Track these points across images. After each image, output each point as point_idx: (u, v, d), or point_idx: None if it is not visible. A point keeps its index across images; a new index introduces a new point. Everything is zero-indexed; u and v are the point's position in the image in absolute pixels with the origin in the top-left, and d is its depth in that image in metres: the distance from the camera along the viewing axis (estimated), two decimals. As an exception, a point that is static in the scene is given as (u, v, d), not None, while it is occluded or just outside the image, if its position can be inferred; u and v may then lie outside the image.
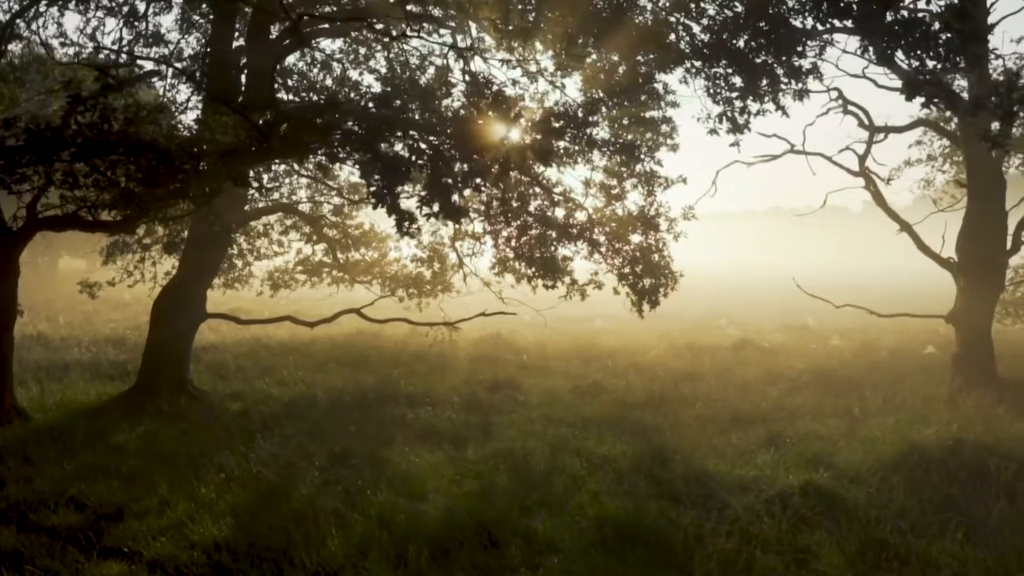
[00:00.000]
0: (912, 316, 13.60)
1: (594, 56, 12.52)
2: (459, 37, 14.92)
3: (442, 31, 15.15)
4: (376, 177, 5.93)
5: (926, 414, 9.87)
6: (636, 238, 12.23)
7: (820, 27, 7.04)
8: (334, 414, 11.15)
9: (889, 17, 6.43)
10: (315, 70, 16.82)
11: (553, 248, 12.51)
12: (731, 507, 6.92)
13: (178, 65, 12.35)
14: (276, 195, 17.19)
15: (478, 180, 7.47)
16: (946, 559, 5.75)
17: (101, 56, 13.04)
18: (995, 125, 14.11)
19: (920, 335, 19.11)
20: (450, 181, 6.74)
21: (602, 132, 12.46)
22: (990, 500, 6.59)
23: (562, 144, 12.06)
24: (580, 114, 10.98)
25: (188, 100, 14.12)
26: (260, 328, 19.12)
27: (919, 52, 6.53)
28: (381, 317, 14.98)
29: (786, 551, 6.07)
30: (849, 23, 6.89)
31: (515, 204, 12.29)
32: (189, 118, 13.82)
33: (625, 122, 13.22)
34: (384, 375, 14.67)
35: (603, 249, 12.20)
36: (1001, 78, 15.17)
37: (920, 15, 6.52)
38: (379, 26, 10.55)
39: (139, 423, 10.16)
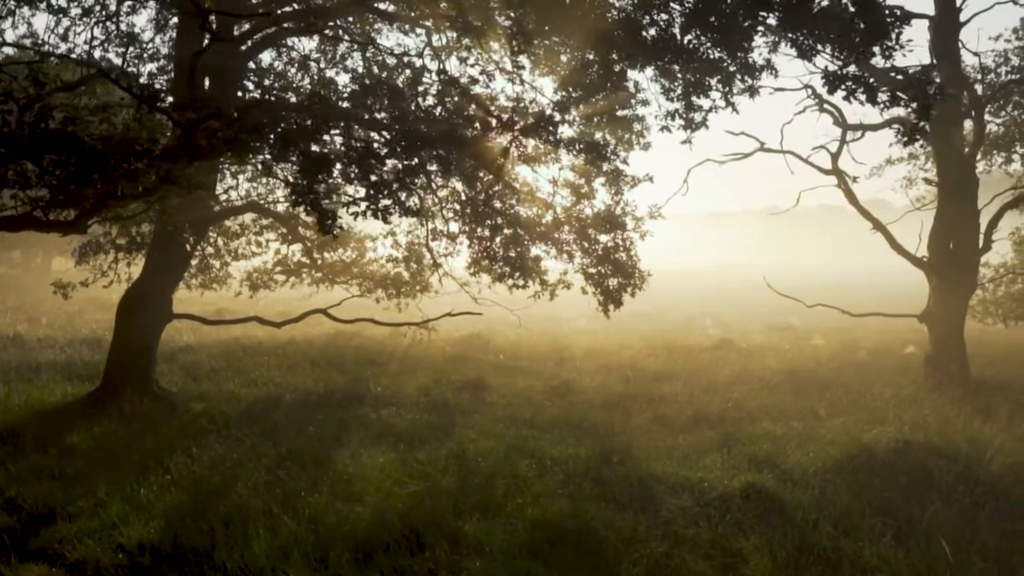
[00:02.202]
0: (885, 315, 13.46)
1: (566, 57, 12.49)
2: (434, 37, 14.90)
3: (418, 30, 15.15)
4: (297, 175, 5.86)
5: (887, 415, 9.75)
6: (603, 237, 12.15)
7: (752, 21, 6.94)
8: (296, 414, 11.10)
9: (811, 10, 6.33)
10: (292, 70, 16.79)
11: (525, 247, 12.48)
12: (670, 510, 6.84)
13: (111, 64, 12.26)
14: (254, 195, 17.26)
15: (411, 179, 7.38)
16: (877, 563, 5.65)
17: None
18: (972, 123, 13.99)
19: (904, 334, 18.95)
20: (379, 179, 6.67)
21: (569, 131, 12.44)
22: (928, 502, 6.48)
23: (530, 143, 12.08)
24: (548, 112, 10.94)
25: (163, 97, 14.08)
26: (240, 329, 19.11)
27: (839, 45, 6.42)
28: (357, 317, 15.02)
29: (717, 555, 5.99)
30: (774, 18, 6.79)
31: (482, 204, 12.28)
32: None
33: (596, 120, 13.16)
34: (356, 375, 14.62)
35: (570, 248, 12.14)
36: (978, 75, 15.10)
37: (837, 8, 6.42)
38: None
39: (97, 424, 10.11)
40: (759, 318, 24.69)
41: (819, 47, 6.52)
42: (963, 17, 12.55)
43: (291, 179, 6.26)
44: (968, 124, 13.52)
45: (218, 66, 11.89)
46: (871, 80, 6.63)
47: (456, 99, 11.55)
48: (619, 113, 13.04)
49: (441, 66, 14.12)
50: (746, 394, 11.99)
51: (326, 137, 6.99)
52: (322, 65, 16.44)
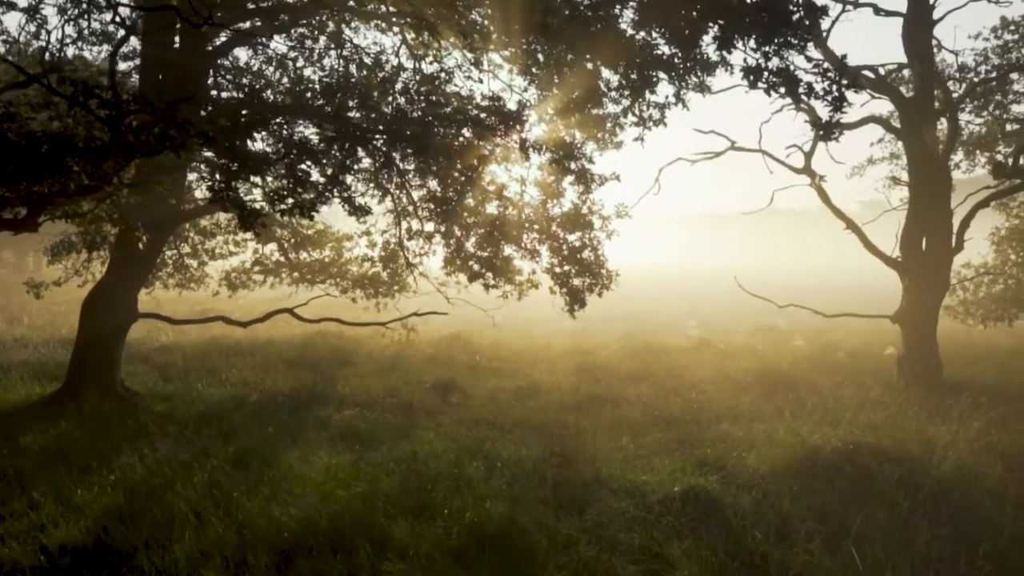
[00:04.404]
0: (857, 316, 13.31)
1: (542, 56, 12.38)
2: (409, 36, 14.82)
3: (395, 28, 15.08)
4: (217, 174, 5.78)
5: (843, 417, 9.59)
6: (571, 236, 12.06)
7: (697, 14, 6.81)
8: (259, 415, 11.01)
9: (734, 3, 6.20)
10: (270, 68, 16.72)
11: (498, 247, 12.41)
12: (609, 513, 6.73)
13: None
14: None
15: (348, 177, 7.28)
16: (802, 569, 5.53)
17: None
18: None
19: (888, 335, 18.76)
20: (309, 177, 6.58)
21: (538, 130, 12.36)
22: (865, 507, 6.35)
23: (497, 142, 11.99)
24: (507, 108, 10.86)
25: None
26: (219, 328, 19.08)
27: (757, 36, 6.28)
28: (323, 317, 14.97)
29: (647, 560, 5.87)
30: (696, 12, 6.65)
31: (450, 202, 12.23)
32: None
33: (570, 119, 13.06)
34: (328, 376, 14.53)
35: (536, 247, 12.05)
36: (956, 73, 14.92)
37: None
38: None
39: (54, 424, 10.04)
40: (746, 319, 24.52)
41: (736, 38, 6.38)
42: (936, 15, 12.41)
43: (214, 176, 6.17)
44: (942, 123, 13.35)
45: (181, 64, 11.86)
46: (795, 73, 6.49)
47: (422, 96, 11.48)
48: (594, 112, 12.96)
49: (417, 65, 14.08)
50: (714, 395, 11.86)
51: (272, 133, 6.90)
52: (300, 64, 16.41)
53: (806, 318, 19.22)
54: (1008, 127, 15.56)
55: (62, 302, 26.30)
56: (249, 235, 17.01)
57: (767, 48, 6.26)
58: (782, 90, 6.48)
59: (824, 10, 6.10)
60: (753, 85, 6.50)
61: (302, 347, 17.56)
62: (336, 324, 15.33)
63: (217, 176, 5.91)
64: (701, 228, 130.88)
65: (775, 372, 13.71)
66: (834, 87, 6.39)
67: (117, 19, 6.84)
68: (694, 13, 6.51)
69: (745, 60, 6.52)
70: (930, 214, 12.28)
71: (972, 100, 15.18)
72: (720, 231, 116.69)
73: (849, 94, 16.98)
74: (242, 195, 6.18)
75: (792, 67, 6.43)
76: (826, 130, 6.70)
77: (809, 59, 6.47)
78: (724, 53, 7.70)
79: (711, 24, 6.51)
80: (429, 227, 13.75)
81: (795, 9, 6.02)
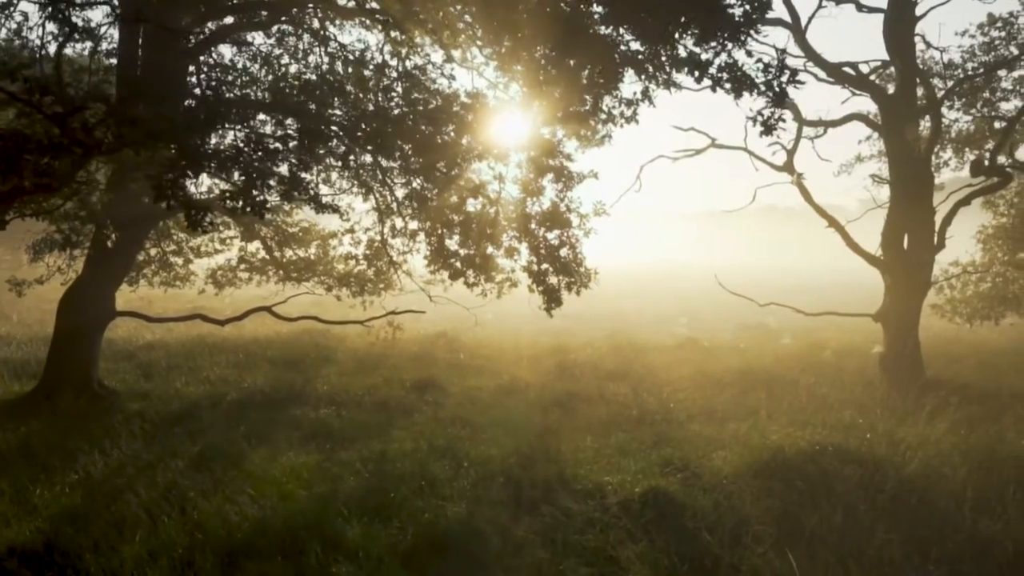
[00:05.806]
0: (839, 315, 13.21)
1: (525, 53, 12.29)
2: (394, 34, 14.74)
3: (379, 27, 14.99)
4: (164, 172, 5.72)
5: (818, 417, 9.50)
6: (549, 235, 11.99)
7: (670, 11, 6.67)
8: (233, 414, 10.97)
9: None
10: (256, 65, 16.63)
11: (481, 245, 12.36)
12: (568, 514, 6.67)
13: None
14: (217, 191, 17.11)
15: (305, 176, 7.22)
16: (750, 572, 5.46)
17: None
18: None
19: (877, 333, 18.66)
20: (266, 175, 6.52)
21: (518, 126, 12.31)
22: (822, 508, 6.27)
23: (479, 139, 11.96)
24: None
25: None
26: (206, 326, 19.02)
27: (696, 30, 6.16)
28: (301, 315, 14.95)
29: (599, 563, 5.81)
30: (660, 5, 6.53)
31: (433, 200, 12.21)
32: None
33: (557, 115, 12.97)
34: (311, 374, 14.49)
35: (515, 246, 11.99)
36: (942, 70, 14.78)
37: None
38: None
39: (25, 423, 10.01)
40: (737, 317, 24.38)
41: (679, 32, 6.27)
42: (919, 11, 12.29)
43: (160, 173, 6.09)
44: (927, 121, 13.23)
45: (156, 61, 11.78)
46: (742, 69, 6.36)
47: (398, 94, 11.42)
48: (577, 109, 12.86)
49: (398, 62, 14.00)
50: (693, 394, 11.78)
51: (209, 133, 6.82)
52: (284, 61, 16.32)
53: (797, 316, 19.12)
54: (996, 124, 15.42)
55: (53, 299, 26.25)
56: (233, 232, 17.00)
57: (713, 43, 6.15)
58: (727, 86, 6.37)
59: (765, 5, 5.98)
60: (699, 80, 6.39)
61: (286, 345, 17.53)
62: (326, 324, 15.31)
63: (166, 174, 5.85)
64: (708, 225, 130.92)
65: (756, 371, 13.62)
66: (775, 82, 6.29)
67: (60, 16, 6.73)
68: (659, 7, 6.36)
69: (690, 55, 6.42)
70: (912, 212, 12.18)
71: (959, 97, 15.06)
72: (726, 228, 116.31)
73: (835, 90, 16.75)
74: (200, 193, 6.10)
75: (739, 63, 6.33)
76: (766, 126, 6.57)
77: (750, 54, 6.36)
78: (677, 49, 7.55)
79: (675, 19, 6.37)
80: (413, 225, 13.72)
81: (736, 1, 5.91)
